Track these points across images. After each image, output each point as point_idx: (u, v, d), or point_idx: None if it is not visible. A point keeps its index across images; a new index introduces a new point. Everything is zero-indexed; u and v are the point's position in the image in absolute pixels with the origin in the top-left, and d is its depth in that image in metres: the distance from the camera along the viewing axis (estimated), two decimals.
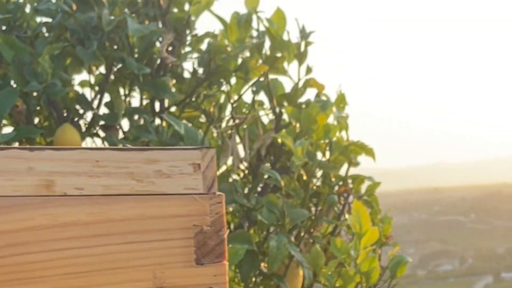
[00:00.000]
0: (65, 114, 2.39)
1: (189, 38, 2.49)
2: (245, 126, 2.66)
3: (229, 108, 2.67)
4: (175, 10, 2.48)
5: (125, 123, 2.47)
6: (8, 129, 2.32)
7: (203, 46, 2.54)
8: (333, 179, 2.82)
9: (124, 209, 0.83)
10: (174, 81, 2.52)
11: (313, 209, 2.77)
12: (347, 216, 2.61)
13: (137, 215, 0.84)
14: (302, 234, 2.65)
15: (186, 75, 2.55)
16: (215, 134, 2.68)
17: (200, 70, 2.48)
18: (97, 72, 2.50)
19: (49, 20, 2.31)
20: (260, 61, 2.56)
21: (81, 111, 2.43)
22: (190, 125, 2.52)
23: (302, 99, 2.70)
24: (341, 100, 2.75)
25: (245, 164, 2.70)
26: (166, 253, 0.85)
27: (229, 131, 2.65)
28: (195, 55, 2.50)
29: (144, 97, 2.51)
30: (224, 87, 2.60)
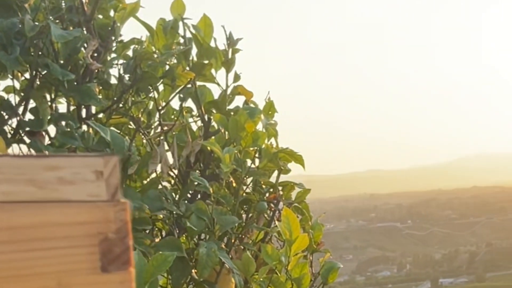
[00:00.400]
0: None
1: (114, 44, 2.47)
2: (174, 133, 2.65)
3: (157, 115, 2.65)
4: (100, 16, 2.46)
5: (53, 129, 2.44)
6: None
7: (130, 53, 2.52)
8: (263, 186, 2.83)
9: (26, 216, 0.82)
10: (100, 87, 2.50)
11: (244, 216, 2.77)
12: (277, 223, 2.62)
13: (39, 222, 0.82)
14: (233, 240, 2.65)
15: (114, 81, 2.53)
16: (144, 141, 2.66)
17: (127, 77, 2.46)
18: (22, 78, 2.46)
19: None
20: (187, 68, 2.55)
21: (6, 117, 2.38)
22: (118, 131, 2.50)
23: (231, 106, 2.70)
24: (270, 107, 2.75)
25: (175, 171, 2.69)
26: (71, 260, 0.84)
27: (158, 138, 2.63)
28: (122, 61, 2.48)
29: (71, 103, 2.48)
30: (153, 94, 2.59)
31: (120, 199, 0.85)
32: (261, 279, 2.57)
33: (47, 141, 2.41)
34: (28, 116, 2.41)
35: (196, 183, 2.52)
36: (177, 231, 2.54)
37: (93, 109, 2.51)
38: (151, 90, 2.53)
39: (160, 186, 2.58)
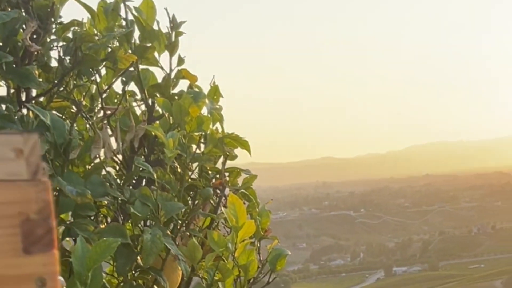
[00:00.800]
0: None
1: (54, 26, 2.42)
2: (117, 117, 2.60)
3: (100, 98, 2.61)
4: None
5: None
6: None
7: (71, 35, 2.47)
8: (209, 172, 2.80)
9: None
10: (40, 70, 2.45)
11: (190, 202, 2.74)
12: (223, 209, 2.60)
13: None
14: (179, 227, 2.62)
15: (55, 64, 2.47)
16: (88, 125, 2.62)
17: (67, 59, 2.41)
18: None
19: None
20: (130, 51, 2.51)
21: None
22: (60, 115, 2.45)
23: (176, 91, 2.66)
24: (215, 92, 2.73)
25: (120, 156, 2.65)
26: None
27: (101, 122, 2.58)
28: (62, 43, 2.43)
29: (11, 86, 2.43)
30: (95, 77, 2.54)
31: (42, 179, 0.82)
32: (208, 266, 2.55)
33: None
34: None
35: (140, 168, 2.48)
36: (122, 218, 2.50)
37: (34, 92, 2.45)
38: (93, 73, 2.48)
39: (104, 172, 2.54)
